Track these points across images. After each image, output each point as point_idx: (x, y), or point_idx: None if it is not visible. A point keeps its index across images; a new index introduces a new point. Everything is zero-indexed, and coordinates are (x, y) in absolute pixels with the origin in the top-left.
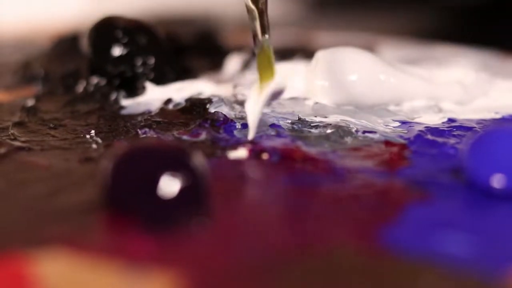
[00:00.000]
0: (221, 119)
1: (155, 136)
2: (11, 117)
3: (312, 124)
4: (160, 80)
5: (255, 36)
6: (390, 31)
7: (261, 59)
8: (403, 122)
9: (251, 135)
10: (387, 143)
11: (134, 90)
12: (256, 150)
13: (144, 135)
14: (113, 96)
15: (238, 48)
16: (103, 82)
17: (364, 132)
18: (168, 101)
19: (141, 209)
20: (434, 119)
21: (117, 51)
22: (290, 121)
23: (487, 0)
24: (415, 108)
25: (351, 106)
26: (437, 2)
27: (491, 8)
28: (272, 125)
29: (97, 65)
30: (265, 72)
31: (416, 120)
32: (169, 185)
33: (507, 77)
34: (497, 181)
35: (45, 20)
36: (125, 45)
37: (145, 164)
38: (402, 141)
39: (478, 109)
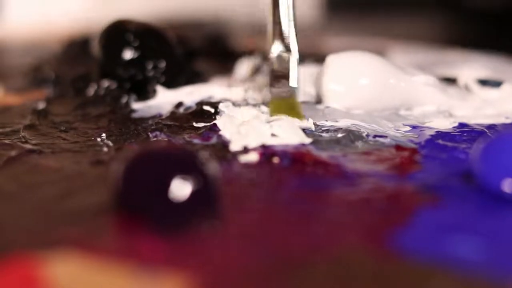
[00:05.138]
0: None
1: (166, 139)
2: (22, 120)
3: (323, 128)
4: (171, 83)
5: (283, 77)
6: (401, 36)
7: (287, 104)
8: (414, 127)
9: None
10: (398, 147)
11: (145, 93)
12: (267, 153)
13: (155, 138)
14: (124, 100)
15: (249, 52)
16: (114, 85)
17: (374, 136)
18: (179, 104)
19: (152, 211)
20: (445, 124)
21: (128, 54)
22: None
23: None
24: (425, 113)
25: (361, 111)
26: (449, 7)
27: (505, 13)
28: None
29: (108, 68)
30: (293, 114)
31: (427, 124)
32: (180, 188)
33: None
34: (507, 185)
35: (56, 23)
36: (136, 48)
37: (156, 167)
38: (413, 145)
39: (488, 114)
